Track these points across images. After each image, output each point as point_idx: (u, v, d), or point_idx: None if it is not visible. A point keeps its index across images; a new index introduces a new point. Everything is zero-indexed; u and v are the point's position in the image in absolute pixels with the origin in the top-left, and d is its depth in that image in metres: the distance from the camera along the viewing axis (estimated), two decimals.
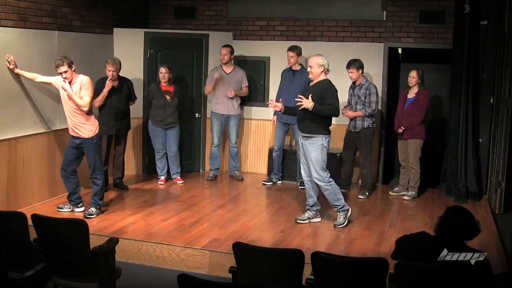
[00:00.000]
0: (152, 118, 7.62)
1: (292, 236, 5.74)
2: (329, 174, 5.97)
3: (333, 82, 5.96)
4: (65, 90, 5.84)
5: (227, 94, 7.81)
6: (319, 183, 5.95)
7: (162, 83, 7.52)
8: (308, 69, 5.96)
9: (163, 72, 7.46)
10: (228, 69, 7.87)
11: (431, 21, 7.73)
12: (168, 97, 7.52)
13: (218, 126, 7.99)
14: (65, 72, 5.76)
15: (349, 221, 6.11)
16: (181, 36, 8.25)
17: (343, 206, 6.03)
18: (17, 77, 6.13)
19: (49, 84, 6.18)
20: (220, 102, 7.91)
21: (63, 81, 5.83)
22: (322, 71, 5.88)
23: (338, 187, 6.12)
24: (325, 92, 5.82)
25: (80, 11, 7.15)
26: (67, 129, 6.13)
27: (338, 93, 5.94)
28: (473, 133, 7.29)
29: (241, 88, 7.95)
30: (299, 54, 7.53)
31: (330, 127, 6.01)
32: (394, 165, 8.45)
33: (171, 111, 7.56)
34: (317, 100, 5.77)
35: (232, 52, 7.82)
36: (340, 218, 6.05)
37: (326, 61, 5.89)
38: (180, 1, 8.74)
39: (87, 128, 5.99)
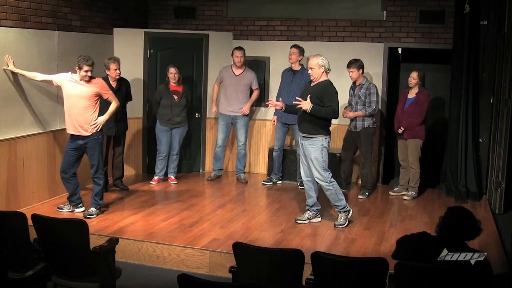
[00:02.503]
0: (160, 117, 7.63)
1: (292, 236, 5.74)
2: (330, 174, 5.96)
3: (333, 82, 5.93)
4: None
5: (242, 111, 7.82)
6: (320, 183, 5.94)
7: (171, 83, 7.54)
8: (309, 71, 5.92)
9: (173, 73, 7.47)
10: (238, 71, 7.83)
11: (431, 21, 7.73)
12: (175, 97, 7.53)
13: (224, 127, 7.96)
14: (91, 71, 5.89)
15: (349, 222, 6.11)
16: (181, 36, 8.25)
17: (344, 207, 6.03)
18: (17, 77, 6.13)
19: (50, 81, 6.17)
20: (227, 103, 7.88)
21: (82, 80, 5.92)
22: (323, 72, 5.86)
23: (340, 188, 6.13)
24: (325, 94, 5.79)
25: (80, 11, 7.15)
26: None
27: (338, 94, 5.91)
28: (473, 133, 7.28)
29: (251, 90, 7.90)
30: (301, 53, 7.53)
31: (330, 128, 6.00)
32: (394, 165, 8.45)
33: (178, 111, 7.57)
34: (316, 101, 5.75)
35: (244, 54, 7.79)
36: (341, 218, 6.05)
37: (326, 61, 5.86)
38: (180, 1, 8.74)
39: (92, 126, 6.01)
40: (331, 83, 5.89)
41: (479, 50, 7.24)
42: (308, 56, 6.77)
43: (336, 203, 6.02)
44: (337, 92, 5.88)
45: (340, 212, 6.06)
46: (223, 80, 7.91)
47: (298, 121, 6.06)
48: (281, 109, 6.16)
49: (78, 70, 5.89)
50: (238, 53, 7.71)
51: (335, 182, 5.99)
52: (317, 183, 6.02)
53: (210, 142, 8.39)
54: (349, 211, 6.08)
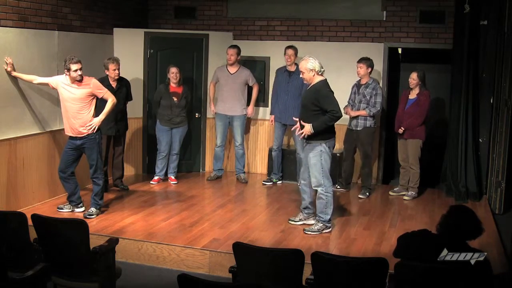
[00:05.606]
0: (160, 117, 7.63)
1: (292, 236, 5.74)
2: (331, 184, 5.78)
3: (332, 82, 5.81)
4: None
5: (248, 113, 7.93)
6: (317, 189, 5.76)
7: (171, 84, 7.53)
8: (301, 75, 5.78)
9: (174, 72, 7.47)
10: (233, 69, 7.84)
11: (431, 21, 7.73)
12: (175, 99, 7.53)
13: (221, 127, 7.97)
14: (80, 69, 5.83)
15: (324, 232, 5.82)
16: (181, 36, 8.25)
17: (326, 221, 5.79)
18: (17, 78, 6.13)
19: (47, 84, 6.16)
20: (223, 102, 7.89)
21: (73, 82, 5.87)
22: (314, 74, 5.65)
23: (332, 204, 5.82)
24: (320, 97, 5.58)
25: (80, 11, 7.15)
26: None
27: (338, 94, 5.79)
28: (473, 133, 7.28)
29: (247, 86, 7.89)
30: (297, 53, 7.54)
31: (332, 131, 5.78)
32: (394, 165, 8.44)
33: (177, 111, 7.57)
34: (312, 106, 5.60)
35: (238, 53, 7.77)
36: (316, 226, 5.80)
37: (316, 63, 5.61)
38: (180, 1, 8.74)
39: (88, 127, 6.00)
40: (324, 84, 5.66)
41: (479, 50, 7.24)
42: (301, 56, 6.74)
43: (320, 214, 5.78)
44: (332, 91, 5.67)
45: (319, 221, 5.83)
46: (218, 80, 7.91)
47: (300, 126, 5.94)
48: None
49: (67, 73, 5.85)
50: (229, 51, 7.73)
51: (331, 195, 5.76)
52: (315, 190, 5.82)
53: (210, 142, 8.39)
54: (328, 227, 5.81)
